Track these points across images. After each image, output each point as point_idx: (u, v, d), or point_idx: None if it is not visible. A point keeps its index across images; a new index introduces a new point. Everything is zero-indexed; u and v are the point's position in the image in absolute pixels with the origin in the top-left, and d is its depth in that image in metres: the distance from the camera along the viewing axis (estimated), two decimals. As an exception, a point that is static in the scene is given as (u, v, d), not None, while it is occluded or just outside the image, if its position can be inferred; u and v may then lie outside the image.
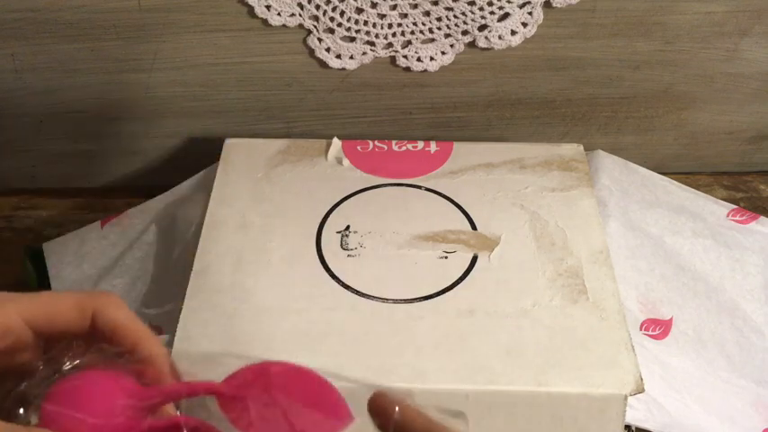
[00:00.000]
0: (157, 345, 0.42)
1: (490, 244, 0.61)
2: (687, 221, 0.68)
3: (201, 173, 0.70)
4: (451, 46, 0.69)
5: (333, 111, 0.74)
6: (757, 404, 0.58)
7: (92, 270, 0.67)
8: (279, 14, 0.66)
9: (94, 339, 0.41)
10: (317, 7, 0.66)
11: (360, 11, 0.66)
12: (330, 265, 0.59)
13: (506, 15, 0.67)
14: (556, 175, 0.67)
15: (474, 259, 0.59)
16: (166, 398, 0.40)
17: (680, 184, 0.72)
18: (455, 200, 0.64)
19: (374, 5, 0.66)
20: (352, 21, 0.67)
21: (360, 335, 0.54)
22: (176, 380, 0.42)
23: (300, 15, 0.67)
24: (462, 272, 0.58)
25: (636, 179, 0.71)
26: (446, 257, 0.59)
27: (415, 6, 0.66)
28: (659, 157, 0.79)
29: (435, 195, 0.65)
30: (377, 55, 0.69)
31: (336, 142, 0.69)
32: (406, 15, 0.67)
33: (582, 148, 0.70)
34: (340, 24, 0.67)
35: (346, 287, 0.57)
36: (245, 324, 0.55)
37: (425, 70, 0.71)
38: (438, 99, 0.73)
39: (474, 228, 0.62)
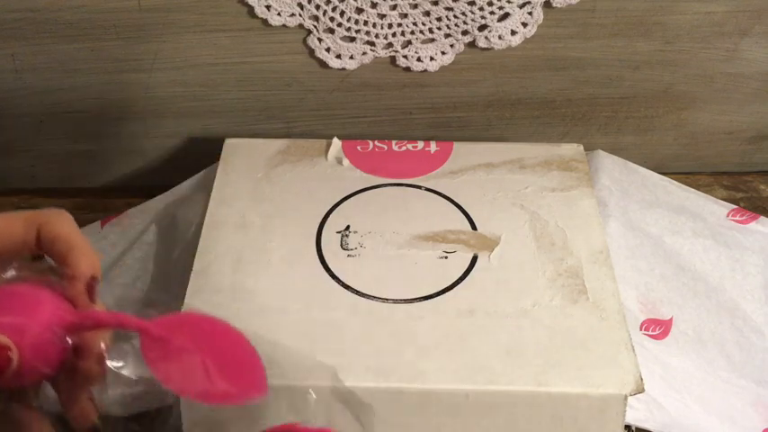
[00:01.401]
0: (86, 262, 0.41)
1: (490, 244, 0.60)
2: (687, 221, 0.68)
3: (201, 173, 0.70)
4: (451, 46, 0.69)
5: (333, 111, 0.74)
6: (757, 404, 0.58)
7: (92, 270, 0.67)
8: (279, 14, 0.66)
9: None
10: (317, 7, 0.66)
11: (360, 11, 0.66)
12: (330, 265, 0.59)
13: (506, 15, 0.67)
14: (556, 175, 0.67)
15: (474, 259, 0.59)
16: (94, 323, 0.39)
17: (680, 184, 0.72)
18: (455, 200, 0.64)
19: (374, 5, 0.66)
20: (352, 21, 0.67)
21: (360, 335, 0.54)
22: (91, 303, 0.41)
23: (300, 15, 0.67)
24: (462, 272, 0.58)
25: (636, 179, 0.71)
26: (446, 257, 0.59)
27: (415, 6, 0.66)
28: (659, 157, 0.79)
29: (435, 195, 0.65)
30: (377, 55, 0.69)
31: (336, 142, 0.69)
32: (406, 15, 0.67)
33: (582, 148, 0.70)
34: (340, 24, 0.67)
35: (346, 287, 0.57)
36: (245, 324, 0.54)
37: (425, 70, 0.71)
38: (438, 99, 0.73)
39: (474, 228, 0.62)
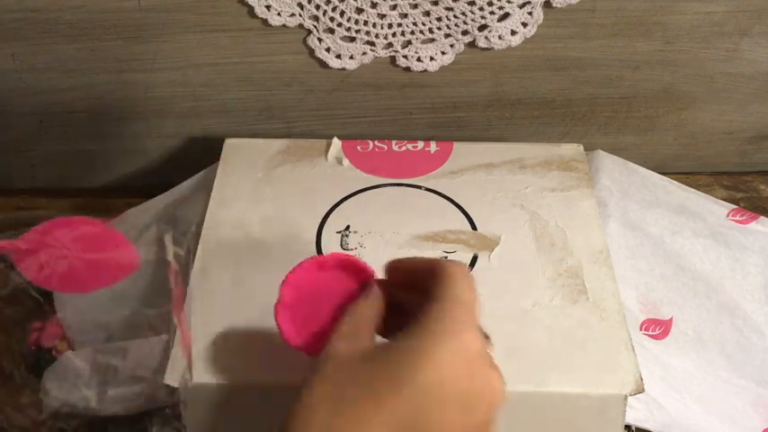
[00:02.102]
0: None
1: (490, 244, 0.60)
2: (687, 221, 0.69)
3: (201, 173, 0.70)
4: (451, 46, 0.69)
5: (333, 111, 0.74)
6: (757, 404, 0.58)
7: (92, 270, 0.67)
8: (279, 14, 0.66)
9: None
10: (317, 7, 0.66)
11: (360, 11, 0.66)
12: (330, 266, 0.59)
13: (506, 15, 0.67)
14: (556, 175, 0.67)
15: (474, 259, 0.59)
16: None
17: (680, 184, 0.72)
18: (455, 200, 0.64)
19: (374, 5, 0.66)
20: (352, 21, 0.67)
21: (360, 335, 0.54)
22: None
23: (300, 15, 0.67)
24: (462, 272, 0.58)
25: (636, 179, 0.71)
26: (446, 258, 0.59)
27: (415, 6, 0.66)
28: (659, 157, 0.79)
29: (435, 195, 0.65)
30: (377, 55, 0.69)
31: (336, 142, 0.69)
32: (406, 15, 0.67)
33: (582, 148, 0.70)
34: (340, 24, 0.67)
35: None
36: (244, 324, 0.55)
37: (425, 70, 0.70)
38: (438, 99, 0.73)
39: (474, 228, 0.62)
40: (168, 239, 0.46)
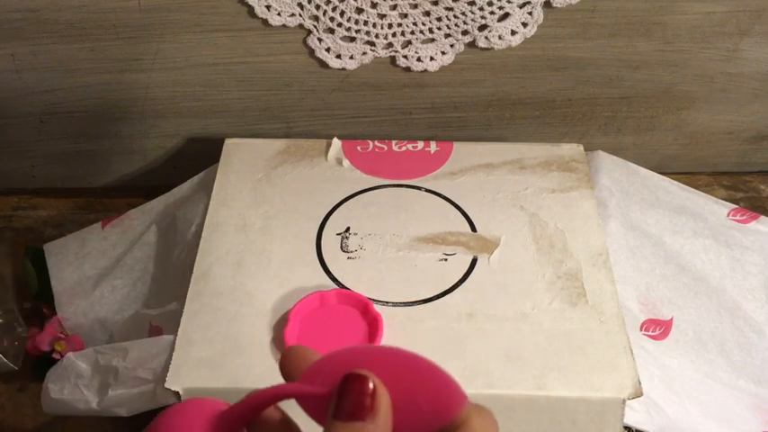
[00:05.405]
0: None
1: (490, 246, 0.61)
2: (687, 221, 0.68)
3: (202, 173, 0.70)
4: (451, 46, 0.69)
5: (333, 111, 0.74)
6: (755, 407, 0.58)
7: (92, 271, 0.67)
8: (279, 14, 0.66)
9: None
10: (317, 7, 0.66)
11: (360, 11, 0.66)
12: (330, 268, 0.59)
13: (506, 15, 0.67)
14: (556, 175, 0.67)
15: (474, 261, 0.59)
16: (250, 411, 0.33)
17: (680, 184, 0.72)
18: (455, 201, 0.64)
19: (374, 5, 0.66)
20: (352, 21, 0.67)
21: (359, 338, 0.54)
22: None
23: (300, 15, 0.67)
24: (462, 274, 0.58)
25: (636, 180, 0.71)
26: (446, 260, 0.59)
27: (415, 6, 0.66)
28: (659, 157, 0.79)
29: (435, 197, 0.65)
30: (377, 55, 0.69)
31: (336, 142, 0.69)
32: (406, 15, 0.67)
33: (582, 148, 0.69)
34: (340, 24, 0.67)
35: (346, 290, 0.57)
36: (245, 327, 0.55)
37: (425, 70, 0.70)
38: (438, 99, 0.73)
39: (474, 229, 0.62)
40: None
